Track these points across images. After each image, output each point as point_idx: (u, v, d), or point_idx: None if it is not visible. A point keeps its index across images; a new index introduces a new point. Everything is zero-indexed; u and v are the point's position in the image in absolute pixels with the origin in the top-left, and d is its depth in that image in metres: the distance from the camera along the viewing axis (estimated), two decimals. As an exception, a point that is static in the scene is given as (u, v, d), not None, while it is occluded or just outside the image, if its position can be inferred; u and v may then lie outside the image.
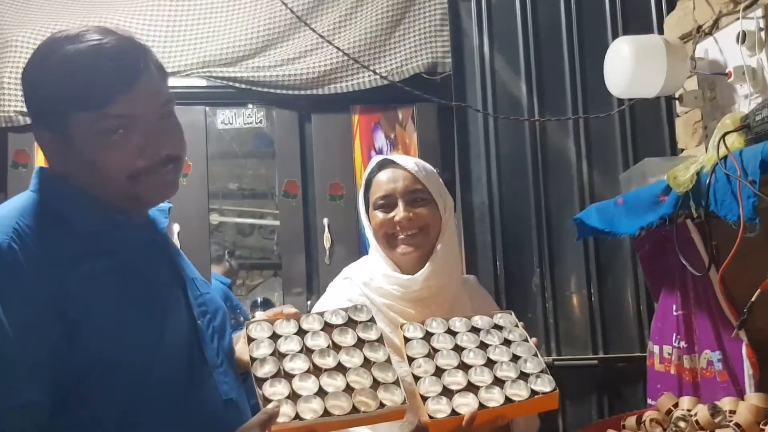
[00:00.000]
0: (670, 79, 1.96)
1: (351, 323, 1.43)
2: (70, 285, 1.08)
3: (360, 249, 3.23)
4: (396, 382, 1.32)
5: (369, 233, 1.72)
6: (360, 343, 1.39)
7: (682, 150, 2.26)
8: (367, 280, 1.69)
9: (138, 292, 1.16)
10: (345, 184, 3.30)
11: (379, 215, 1.67)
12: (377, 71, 3.14)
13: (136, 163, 1.16)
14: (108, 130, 1.14)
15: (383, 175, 1.70)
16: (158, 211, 1.33)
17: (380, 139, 3.37)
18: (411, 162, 1.71)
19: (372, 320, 1.43)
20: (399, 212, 1.65)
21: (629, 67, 1.96)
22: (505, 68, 2.64)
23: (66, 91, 1.14)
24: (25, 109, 3.04)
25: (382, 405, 1.27)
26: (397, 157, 1.74)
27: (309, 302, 3.28)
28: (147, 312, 1.16)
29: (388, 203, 1.67)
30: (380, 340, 1.40)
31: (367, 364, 1.35)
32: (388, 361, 1.35)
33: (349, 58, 3.00)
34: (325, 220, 3.29)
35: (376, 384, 1.31)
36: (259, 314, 1.44)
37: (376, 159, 1.76)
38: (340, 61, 3.21)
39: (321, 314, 1.43)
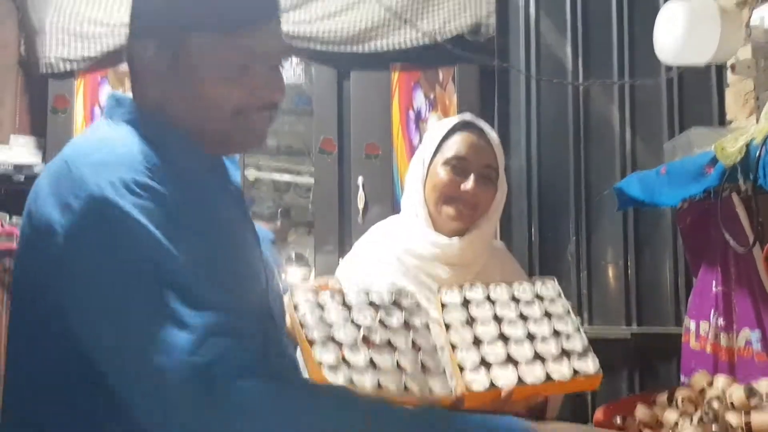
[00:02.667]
0: (723, 47, 1.89)
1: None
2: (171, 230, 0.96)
3: (394, 209, 3.21)
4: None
5: (418, 182, 1.65)
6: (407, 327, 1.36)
7: (731, 121, 2.19)
8: (401, 241, 1.65)
9: (231, 243, 1.07)
10: (381, 143, 3.27)
11: (447, 174, 1.61)
12: (419, 29, 3.08)
13: (243, 101, 1.06)
14: (229, 59, 1.04)
15: (466, 138, 1.64)
16: (230, 162, 1.20)
17: (419, 99, 3.33)
18: (495, 136, 1.69)
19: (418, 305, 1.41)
20: (469, 183, 1.60)
21: (680, 32, 1.89)
22: (550, 30, 2.57)
23: (196, 6, 1.05)
24: (65, 55, 3.13)
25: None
26: (485, 125, 1.69)
27: (341, 260, 3.27)
28: (240, 266, 1.08)
29: (462, 167, 1.62)
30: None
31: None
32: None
33: (391, 15, 2.94)
34: (360, 180, 3.28)
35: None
36: (308, 283, 1.39)
37: (462, 116, 1.72)
38: (381, 18, 3.16)
39: (367, 293, 1.39)
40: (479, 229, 1.63)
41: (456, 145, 1.63)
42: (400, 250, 1.63)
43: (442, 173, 1.62)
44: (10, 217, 2.99)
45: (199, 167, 1.08)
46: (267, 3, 1.08)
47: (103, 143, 1.02)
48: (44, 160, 3.18)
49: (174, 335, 0.88)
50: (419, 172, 1.66)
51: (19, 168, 3.17)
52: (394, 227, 1.71)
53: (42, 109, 3.22)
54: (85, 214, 0.93)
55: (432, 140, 1.67)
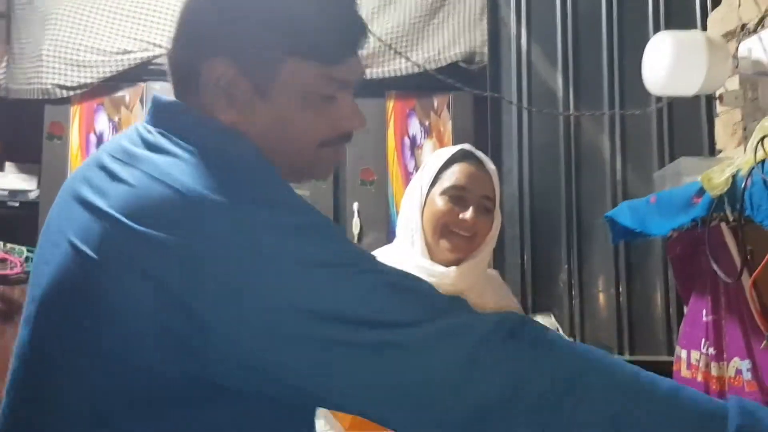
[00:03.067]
0: (711, 78, 1.91)
1: None
2: None
3: (389, 235, 3.22)
4: None
5: (416, 211, 1.65)
6: None
7: (721, 151, 2.21)
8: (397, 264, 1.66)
9: None
10: (377, 169, 3.29)
11: (446, 204, 1.62)
12: (414, 58, 3.11)
13: (329, 132, 0.98)
14: (321, 89, 0.95)
15: (466, 168, 1.65)
16: None
17: (414, 126, 3.35)
18: (491, 165, 1.70)
19: None
20: (468, 213, 1.61)
21: (668, 63, 1.91)
22: (542, 60, 2.60)
23: (300, 32, 0.94)
24: (62, 82, 3.15)
25: None
26: (483, 156, 1.71)
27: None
28: None
29: (461, 197, 1.63)
30: None
31: None
32: None
33: (386, 46, 2.98)
34: (355, 205, 3.28)
35: None
36: None
37: (461, 146, 1.72)
38: (377, 46, 3.18)
39: None
40: (475, 258, 1.64)
41: (455, 175, 1.64)
42: None
43: (440, 203, 1.62)
44: (4, 245, 2.99)
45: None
46: (364, 31, 0.99)
47: None
48: (39, 186, 3.19)
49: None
50: (417, 201, 1.66)
51: (13, 194, 3.18)
52: (389, 255, 1.72)
53: (38, 135, 3.23)
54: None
55: (430, 169, 1.67)
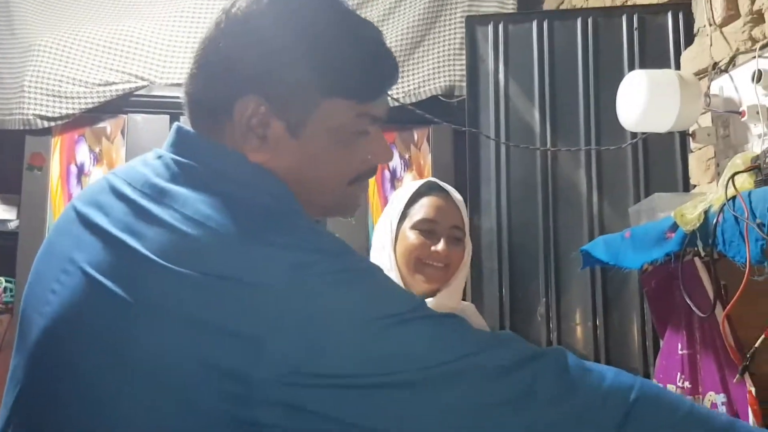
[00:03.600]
0: (684, 115, 1.95)
1: None
2: None
3: (368, 268, 3.22)
4: None
5: (388, 247, 1.66)
6: None
7: (695, 186, 2.24)
8: None
9: None
10: (357, 202, 3.30)
11: (417, 238, 1.65)
12: (394, 92, 3.14)
13: (360, 168, 0.97)
14: (355, 127, 0.95)
15: (434, 201, 1.69)
16: None
17: (395, 159, 3.38)
18: (460, 198, 1.74)
19: None
20: (440, 245, 1.65)
21: (642, 100, 1.95)
22: (519, 95, 2.64)
23: (336, 66, 0.92)
24: (43, 113, 3.15)
25: None
26: (449, 188, 1.74)
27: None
28: None
29: (431, 230, 1.66)
30: None
31: None
32: None
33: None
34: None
35: None
36: None
37: (425, 180, 1.77)
38: (357, 80, 3.22)
39: None
40: (449, 287, 1.67)
41: (423, 208, 1.67)
42: None
43: (411, 237, 1.65)
44: (-14, 274, 2.97)
45: None
46: (396, 69, 0.99)
47: None
48: (18, 216, 3.17)
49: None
50: (387, 236, 1.68)
51: (-8, 224, 3.17)
52: None
53: (18, 166, 3.22)
54: None
55: (398, 204, 1.70)
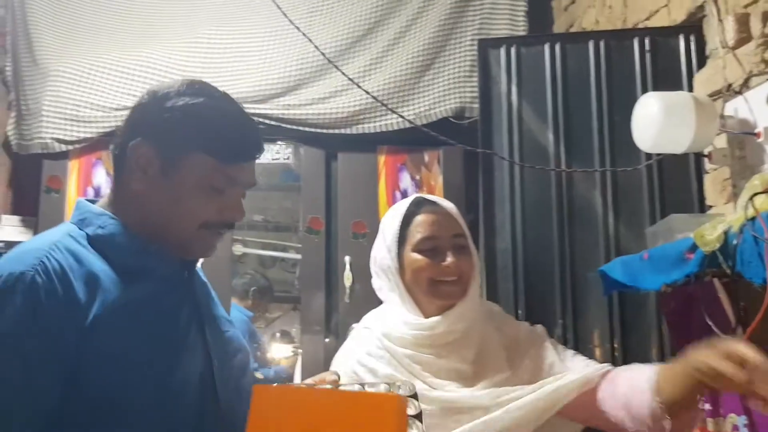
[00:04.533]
0: (699, 137, 1.96)
1: None
2: (86, 320, 1.11)
3: (381, 289, 3.24)
4: None
5: (393, 273, 1.63)
6: None
7: (711, 207, 2.25)
8: (387, 330, 1.63)
9: (153, 328, 1.18)
10: (368, 222, 3.32)
11: (424, 259, 1.60)
12: (405, 113, 3.18)
13: (211, 217, 1.25)
14: (214, 182, 1.24)
15: (428, 217, 1.63)
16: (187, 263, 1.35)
17: (405, 180, 3.40)
18: (450, 205, 1.68)
19: (414, 396, 1.41)
20: (449, 259, 1.59)
21: (657, 122, 1.96)
22: (532, 117, 2.65)
23: (209, 133, 1.24)
24: (61, 137, 3.18)
25: None
26: (436, 198, 1.70)
27: (327, 340, 3.27)
28: (159, 348, 1.17)
29: (434, 247, 1.61)
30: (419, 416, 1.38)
31: None
32: None
33: (377, 102, 3.04)
34: (347, 258, 3.31)
35: None
36: (308, 381, 1.37)
37: (410, 198, 1.70)
38: (369, 102, 3.25)
39: (362, 385, 1.40)
40: (467, 298, 1.62)
41: (420, 227, 1.62)
42: (388, 342, 1.61)
43: (417, 259, 1.60)
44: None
45: (133, 260, 1.22)
46: (258, 146, 1.30)
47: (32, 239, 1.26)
48: (34, 239, 3.20)
49: None
50: (390, 264, 1.63)
51: (10, 245, 3.18)
52: (383, 316, 1.69)
53: (35, 189, 3.26)
54: None
55: (392, 228, 1.65)
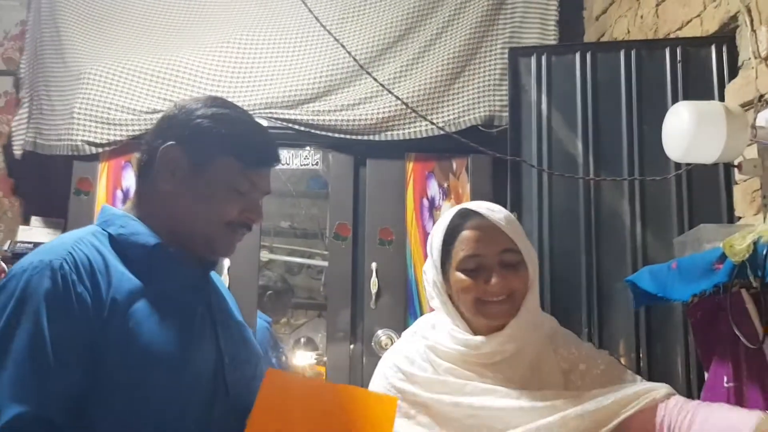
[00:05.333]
0: (729, 147, 1.94)
1: None
2: (105, 311, 1.16)
3: (407, 296, 3.24)
4: None
5: (439, 289, 1.55)
6: None
7: (740, 218, 2.23)
8: (433, 343, 1.55)
9: (167, 324, 1.22)
10: (395, 229, 3.33)
11: (467, 278, 1.50)
12: (434, 121, 3.18)
13: (234, 217, 1.34)
14: (239, 185, 1.34)
15: (472, 233, 1.51)
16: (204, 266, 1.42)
17: (433, 188, 3.40)
18: (501, 215, 1.52)
19: None
20: (493, 279, 1.48)
21: (688, 132, 1.95)
22: (561, 126, 2.65)
23: (234, 137, 1.34)
24: (91, 139, 3.23)
25: None
26: (483, 209, 1.53)
27: (352, 347, 3.28)
28: (172, 343, 1.21)
29: (478, 266, 1.49)
30: None
31: None
32: None
33: (408, 108, 3.05)
34: (374, 265, 3.31)
35: None
36: None
37: (457, 209, 1.57)
38: (398, 109, 3.26)
39: None
40: (521, 315, 1.51)
41: (463, 244, 1.52)
42: (431, 354, 1.55)
43: (462, 278, 1.51)
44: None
45: (153, 259, 1.27)
46: (277, 156, 1.42)
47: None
48: (65, 239, 3.24)
49: None
50: (436, 282, 1.56)
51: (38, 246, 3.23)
52: (431, 323, 1.61)
53: (65, 191, 3.30)
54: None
55: (437, 244, 1.56)
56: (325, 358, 3.64)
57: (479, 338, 1.50)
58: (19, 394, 1.07)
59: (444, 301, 1.55)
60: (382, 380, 1.58)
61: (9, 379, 1.08)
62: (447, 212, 1.59)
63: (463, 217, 1.55)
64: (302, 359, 5.30)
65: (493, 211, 1.54)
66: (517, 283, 1.51)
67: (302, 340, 5.91)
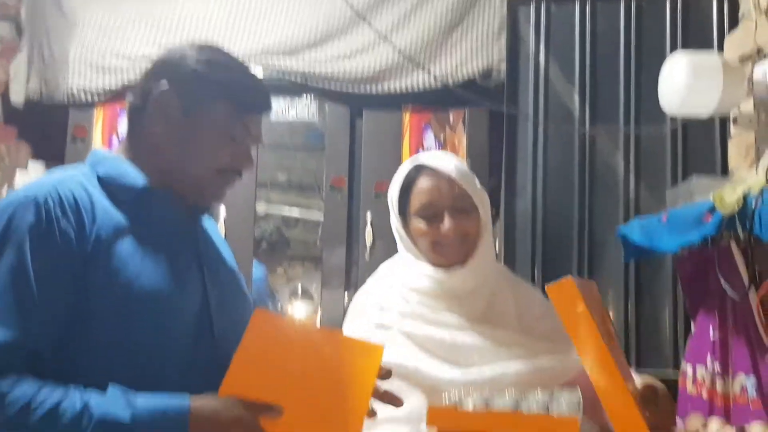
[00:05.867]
0: (725, 100, 1.94)
1: None
2: (89, 246, 1.17)
3: (401, 247, 3.25)
4: None
5: (402, 235, 1.67)
6: None
7: (733, 172, 2.23)
8: (402, 279, 1.67)
9: (151, 262, 1.23)
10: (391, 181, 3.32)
11: (423, 226, 1.62)
12: (432, 73, 3.15)
13: (226, 163, 1.32)
14: (232, 130, 1.31)
15: (424, 183, 1.63)
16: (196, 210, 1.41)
17: (429, 140, 3.39)
18: (450, 165, 1.65)
19: None
20: (445, 224, 1.60)
21: (684, 84, 1.94)
22: (559, 77, 2.63)
23: (229, 81, 1.32)
24: (87, 86, 3.21)
25: None
26: (435, 161, 1.66)
27: (346, 293, 3.31)
28: (155, 281, 1.22)
29: (432, 213, 1.62)
30: None
31: None
32: None
33: (405, 58, 3.02)
34: (369, 217, 3.31)
35: None
36: None
37: (409, 162, 1.69)
38: (395, 60, 3.23)
39: None
40: (476, 256, 1.63)
41: (418, 195, 1.63)
42: (403, 289, 1.65)
43: (418, 224, 1.63)
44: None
45: (140, 197, 1.27)
46: (270, 102, 1.40)
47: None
48: (60, 186, 3.24)
49: None
50: (399, 227, 1.68)
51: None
52: (398, 265, 1.72)
53: (62, 138, 3.29)
54: None
55: (394, 194, 1.68)
56: (319, 311, 3.68)
57: (443, 273, 1.62)
58: (6, 324, 1.09)
59: (408, 246, 1.66)
60: (358, 318, 1.65)
61: None
62: (402, 166, 1.71)
63: (417, 170, 1.66)
64: (298, 310, 5.35)
65: (443, 161, 1.66)
66: (469, 226, 1.63)
67: (298, 289, 5.96)
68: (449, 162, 1.66)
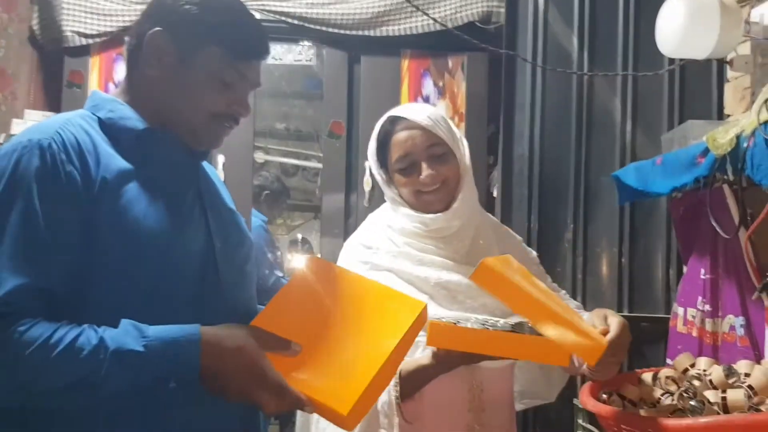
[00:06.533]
0: (722, 42, 1.93)
1: None
2: (95, 188, 1.18)
3: (399, 193, 3.26)
4: None
5: (386, 187, 1.71)
6: None
7: (729, 116, 2.23)
8: (390, 222, 1.72)
9: (155, 204, 1.23)
10: (390, 128, 3.31)
11: (403, 176, 1.66)
12: (431, 16, 3.13)
13: (221, 109, 1.31)
14: (227, 75, 1.30)
15: (399, 136, 1.66)
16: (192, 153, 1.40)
17: (428, 86, 3.37)
18: (423, 115, 1.67)
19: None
20: (423, 172, 1.64)
21: (681, 25, 1.93)
22: (558, 20, 2.61)
23: (228, 28, 1.30)
24: (81, 30, 3.19)
25: None
26: (408, 113, 1.69)
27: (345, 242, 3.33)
28: (160, 222, 1.23)
29: (410, 164, 1.65)
30: None
31: None
32: None
33: (402, 2, 2.99)
34: (367, 163, 3.32)
35: None
36: None
37: (385, 117, 1.72)
38: (393, 2, 3.20)
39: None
40: (458, 199, 1.67)
41: (394, 148, 1.67)
42: (391, 232, 1.70)
43: (399, 178, 1.67)
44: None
45: (143, 140, 1.27)
46: (267, 47, 1.37)
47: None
48: (58, 132, 3.23)
49: None
50: (382, 181, 1.71)
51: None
52: (386, 211, 1.76)
53: (57, 84, 3.28)
54: None
55: (373, 150, 1.71)
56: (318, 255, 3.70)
57: (429, 216, 1.67)
58: (19, 267, 1.10)
59: (393, 196, 1.70)
60: (347, 257, 1.71)
61: (7, 253, 1.10)
62: (378, 122, 1.73)
63: (392, 123, 1.69)
64: (298, 259, 5.38)
65: (416, 111, 1.68)
66: (447, 171, 1.67)
67: (298, 238, 5.99)
68: (422, 112, 1.68)
